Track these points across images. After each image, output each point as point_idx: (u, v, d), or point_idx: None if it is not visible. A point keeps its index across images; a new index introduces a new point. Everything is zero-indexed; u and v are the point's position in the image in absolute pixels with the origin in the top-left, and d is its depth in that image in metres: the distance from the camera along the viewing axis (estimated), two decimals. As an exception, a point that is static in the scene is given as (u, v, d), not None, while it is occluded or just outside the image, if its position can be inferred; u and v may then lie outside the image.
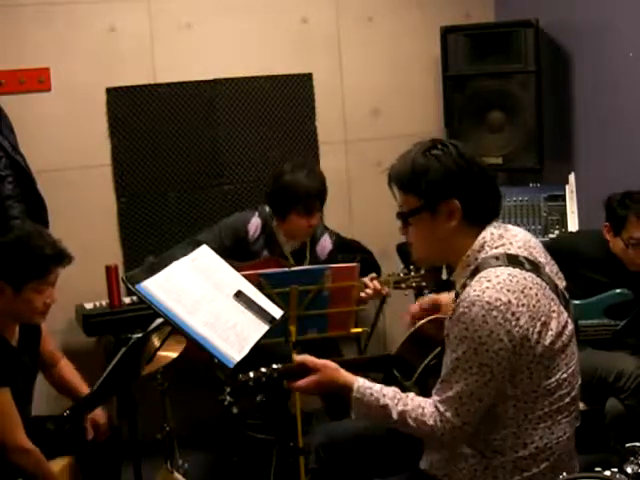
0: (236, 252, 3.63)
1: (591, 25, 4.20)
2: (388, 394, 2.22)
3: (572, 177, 4.25)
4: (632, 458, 2.02)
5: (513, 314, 2.07)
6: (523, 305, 2.08)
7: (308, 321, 3.23)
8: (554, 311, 2.15)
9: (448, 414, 2.12)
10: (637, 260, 3.44)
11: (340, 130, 4.69)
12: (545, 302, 2.13)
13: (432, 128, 4.67)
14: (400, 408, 2.19)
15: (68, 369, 3.24)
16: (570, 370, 2.20)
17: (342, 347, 3.86)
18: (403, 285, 3.44)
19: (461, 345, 2.09)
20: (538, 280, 2.15)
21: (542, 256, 2.26)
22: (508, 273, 2.11)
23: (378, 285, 3.40)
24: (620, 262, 3.50)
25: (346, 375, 2.30)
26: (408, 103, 4.76)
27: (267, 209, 3.73)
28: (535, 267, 2.17)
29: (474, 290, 2.09)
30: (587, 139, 4.34)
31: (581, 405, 3.38)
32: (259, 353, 2.54)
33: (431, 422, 2.15)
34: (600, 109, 4.22)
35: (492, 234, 2.22)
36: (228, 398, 2.34)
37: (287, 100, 4.55)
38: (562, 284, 2.29)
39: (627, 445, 2.07)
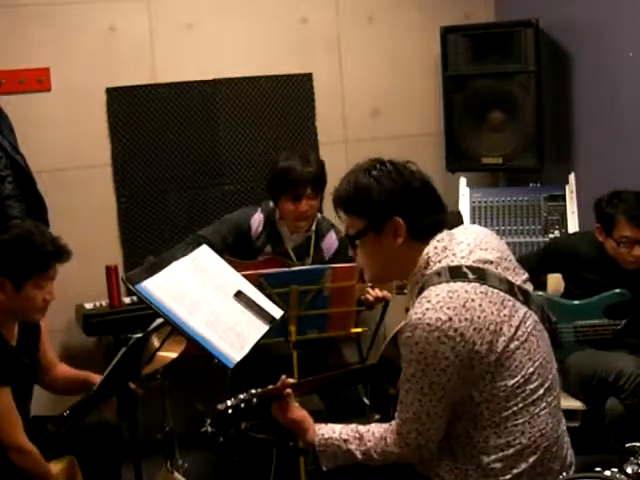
0: (239, 248, 3.62)
1: (591, 25, 4.20)
2: (349, 438, 2.27)
3: (572, 177, 4.25)
4: (632, 458, 2.02)
5: (456, 330, 2.08)
6: (466, 320, 2.09)
7: (308, 321, 3.23)
8: (505, 315, 2.15)
9: (412, 435, 2.17)
10: (630, 258, 3.44)
11: (340, 130, 4.69)
12: (492, 309, 2.13)
13: (432, 128, 4.68)
14: (363, 448, 2.25)
15: (67, 368, 3.23)
16: (537, 363, 2.19)
17: (342, 347, 3.86)
18: (405, 290, 3.43)
19: (409, 367, 2.13)
20: (482, 288, 2.15)
21: (495, 255, 2.26)
22: (448, 290, 2.12)
23: (380, 293, 3.40)
24: (617, 262, 3.50)
25: (307, 433, 2.34)
26: (408, 103, 4.76)
27: (270, 204, 3.72)
28: (480, 274, 2.17)
29: (415, 313, 2.12)
30: (587, 139, 4.34)
31: (581, 405, 3.41)
32: (259, 353, 2.55)
33: (397, 450, 2.20)
34: (600, 109, 4.22)
35: (435, 247, 2.23)
36: (209, 429, 2.33)
37: (287, 100, 4.55)
38: (521, 278, 2.29)
39: (627, 445, 2.08)
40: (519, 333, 2.16)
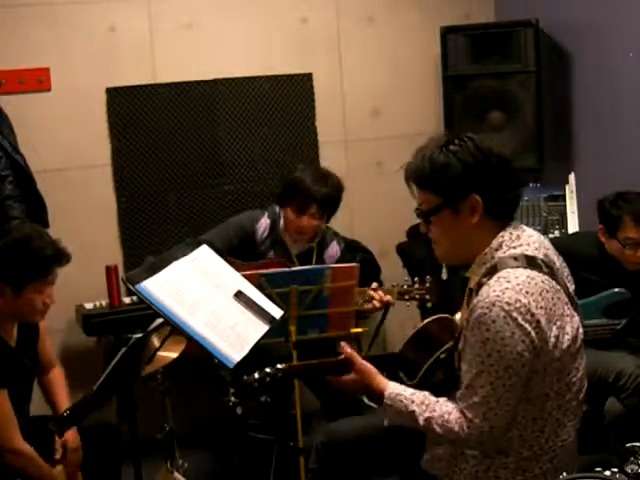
0: (243, 252, 3.63)
1: (591, 25, 4.20)
2: (417, 400, 2.22)
3: (572, 177, 4.25)
4: (632, 458, 2.02)
5: (533, 315, 2.05)
6: (541, 308, 2.07)
7: (308, 321, 3.23)
8: (567, 315, 2.15)
9: (477, 420, 2.11)
10: (634, 260, 3.44)
11: (340, 130, 4.69)
12: (560, 306, 2.13)
13: (432, 128, 4.67)
14: (427, 415, 2.19)
15: (58, 381, 3.20)
16: (580, 373, 2.19)
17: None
18: (406, 297, 3.43)
19: (484, 348, 2.07)
20: (553, 284, 2.14)
21: (555, 258, 2.26)
22: (527, 275, 2.10)
23: (384, 295, 3.39)
24: (617, 262, 3.50)
25: (379, 381, 2.32)
26: (408, 103, 4.76)
27: (277, 209, 3.73)
28: (551, 270, 2.17)
29: (493, 290, 2.07)
30: (587, 139, 4.34)
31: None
32: (259, 353, 2.55)
33: (457, 429, 2.14)
34: (600, 109, 4.22)
35: (511, 234, 2.20)
36: (233, 399, 2.35)
37: (287, 100, 4.55)
38: (572, 287, 2.29)
39: (627, 445, 2.07)
40: (577, 339, 2.17)
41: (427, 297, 3.39)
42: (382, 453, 2.53)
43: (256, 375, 2.35)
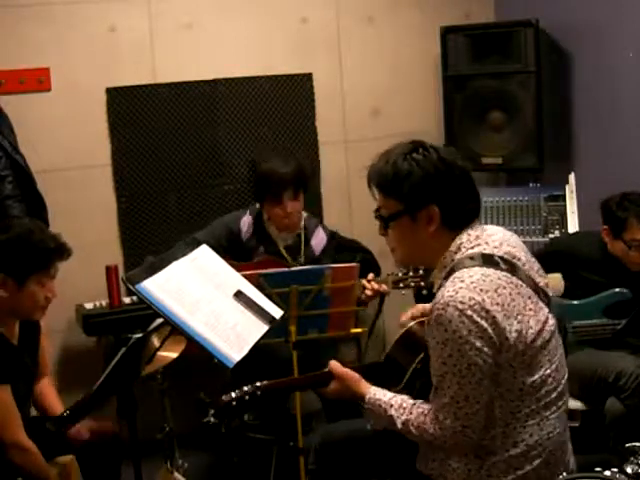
0: (232, 250, 3.65)
1: (591, 25, 4.20)
2: (395, 404, 2.26)
3: (572, 177, 4.25)
4: (632, 458, 2.02)
5: (488, 312, 2.07)
6: (497, 304, 2.09)
7: (308, 321, 3.23)
8: (531, 309, 2.15)
9: (447, 421, 2.14)
10: (639, 260, 3.44)
11: (340, 130, 4.69)
12: (520, 301, 2.14)
13: (432, 128, 4.67)
14: (404, 418, 2.23)
15: (50, 388, 3.19)
16: (554, 366, 2.20)
17: (342, 347, 3.86)
18: (402, 284, 3.44)
19: (445, 349, 2.10)
20: (513, 279, 2.15)
21: (522, 254, 2.27)
22: (481, 273, 2.12)
23: (376, 285, 3.40)
24: (618, 263, 3.50)
25: (362, 386, 2.35)
26: (408, 103, 4.76)
27: (257, 206, 3.77)
28: (511, 266, 2.18)
29: (448, 291, 2.10)
30: (587, 139, 4.34)
31: (581, 405, 3.41)
32: (259, 353, 2.55)
33: (432, 430, 2.17)
34: (600, 109, 4.22)
35: (469, 235, 2.23)
36: (212, 420, 2.34)
37: (287, 100, 4.55)
38: (543, 281, 2.30)
39: (627, 445, 2.08)
40: (544, 332, 2.16)
41: (422, 284, 3.40)
42: (379, 454, 2.53)
43: (233, 394, 2.34)
